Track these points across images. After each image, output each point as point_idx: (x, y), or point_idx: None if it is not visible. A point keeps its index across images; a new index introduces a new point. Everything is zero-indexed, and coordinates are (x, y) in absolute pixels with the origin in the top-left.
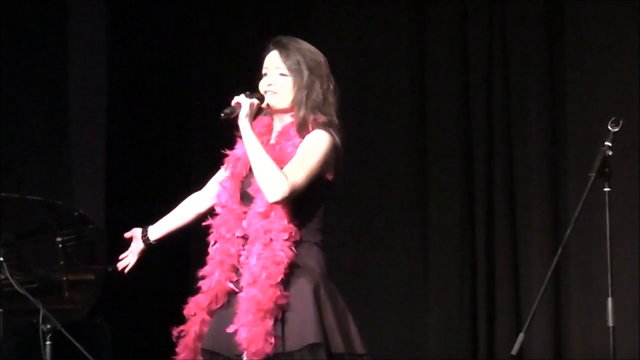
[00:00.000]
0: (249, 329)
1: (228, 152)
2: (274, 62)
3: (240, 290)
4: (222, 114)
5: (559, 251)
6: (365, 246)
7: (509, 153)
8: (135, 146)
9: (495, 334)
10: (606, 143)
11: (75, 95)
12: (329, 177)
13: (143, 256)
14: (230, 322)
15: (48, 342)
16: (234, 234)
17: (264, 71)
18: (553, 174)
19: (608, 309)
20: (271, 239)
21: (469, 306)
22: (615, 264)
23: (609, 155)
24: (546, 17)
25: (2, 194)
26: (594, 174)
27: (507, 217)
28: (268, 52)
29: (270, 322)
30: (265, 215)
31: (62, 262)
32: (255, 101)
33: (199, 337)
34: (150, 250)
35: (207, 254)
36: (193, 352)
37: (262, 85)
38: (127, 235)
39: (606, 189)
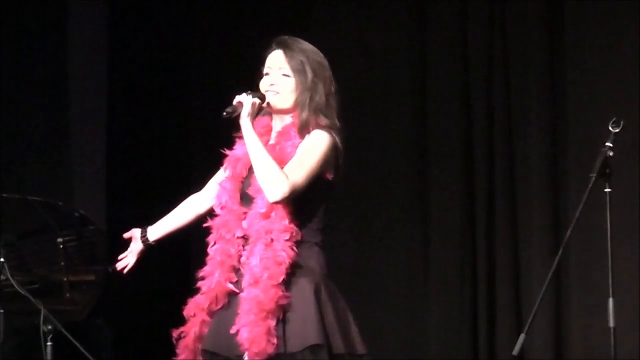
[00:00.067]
0: (250, 329)
1: (227, 152)
2: (277, 62)
3: (241, 291)
4: (224, 113)
5: (560, 251)
6: (365, 246)
7: (509, 153)
8: (136, 146)
9: (496, 334)
10: (607, 144)
11: (75, 95)
12: (329, 176)
13: (142, 257)
14: (231, 323)
15: (49, 343)
16: (234, 235)
17: (265, 70)
18: (553, 173)
19: (609, 309)
20: (272, 239)
21: (470, 306)
22: (616, 264)
23: (609, 155)
24: (546, 17)
25: (3, 195)
26: (594, 175)
27: (508, 217)
28: (271, 51)
29: (272, 323)
30: (266, 215)
31: (62, 263)
32: (257, 100)
33: (199, 338)
34: (149, 250)
35: (207, 254)
36: (193, 353)
37: (264, 85)
38: (126, 235)
39: (607, 190)
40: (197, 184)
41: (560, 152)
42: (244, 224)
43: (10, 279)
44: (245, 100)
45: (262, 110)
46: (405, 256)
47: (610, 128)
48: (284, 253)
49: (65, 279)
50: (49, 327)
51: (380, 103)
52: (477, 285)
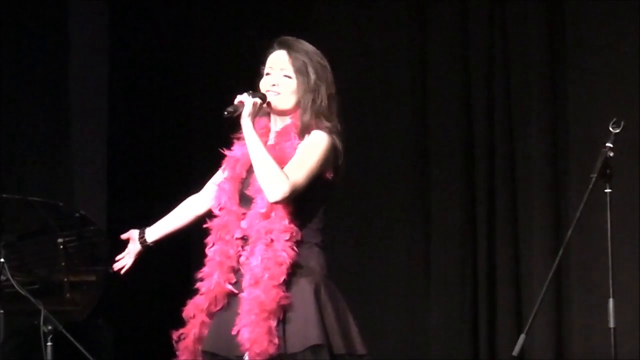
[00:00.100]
0: (252, 329)
1: (226, 152)
2: (279, 63)
3: (240, 292)
4: (225, 112)
5: (560, 252)
6: (365, 246)
7: (510, 153)
8: (136, 146)
9: (496, 334)
10: (607, 144)
11: (75, 95)
12: (329, 176)
13: (141, 258)
14: (231, 323)
15: (49, 343)
16: (233, 236)
17: (266, 70)
18: (554, 174)
19: (609, 310)
20: (272, 240)
21: (470, 306)
22: (617, 264)
23: (610, 156)
24: (546, 17)
25: (3, 195)
26: (595, 175)
27: (508, 217)
28: (272, 51)
29: (273, 323)
30: (266, 215)
31: (63, 263)
32: (258, 100)
33: (199, 339)
34: (147, 252)
35: (206, 255)
36: (193, 354)
37: (265, 84)
38: (124, 236)
39: (607, 190)
40: (197, 184)
41: (561, 153)
42: (243, 224)
43: (11, 279)
44: (246, 100)
45: (261, 110)
46: (405, 256)
47: (610, 128)
48: (285, 253)
49: (65, 280)
50: (49, 327)
51: (380, 103)
52: (478, 285)
